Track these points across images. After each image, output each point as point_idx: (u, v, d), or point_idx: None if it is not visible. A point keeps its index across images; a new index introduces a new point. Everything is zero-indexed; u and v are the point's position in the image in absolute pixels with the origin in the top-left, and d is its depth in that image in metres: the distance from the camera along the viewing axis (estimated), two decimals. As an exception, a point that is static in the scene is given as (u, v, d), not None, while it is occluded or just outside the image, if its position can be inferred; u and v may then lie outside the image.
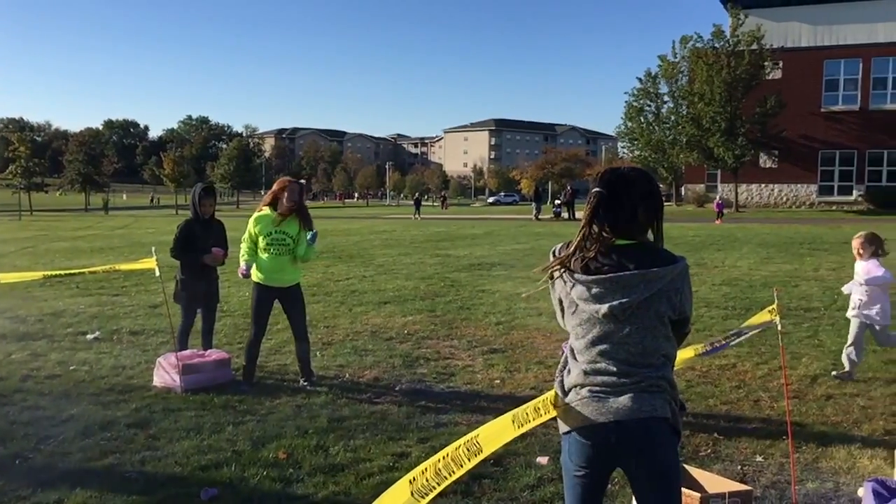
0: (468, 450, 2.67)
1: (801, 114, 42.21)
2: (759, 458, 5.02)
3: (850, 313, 7.10)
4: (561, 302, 2.76)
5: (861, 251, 7.00)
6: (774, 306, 5.26)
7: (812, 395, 6.49)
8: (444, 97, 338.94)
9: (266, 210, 6.69)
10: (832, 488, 4.55)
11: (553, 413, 2.78)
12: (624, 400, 2.60)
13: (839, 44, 43.12)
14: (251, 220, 6.70)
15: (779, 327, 5.65)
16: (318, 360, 7.68)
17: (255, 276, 6.68)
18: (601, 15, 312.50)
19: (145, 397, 6.43)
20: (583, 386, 2.67)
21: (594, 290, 2.62)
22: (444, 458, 2.64)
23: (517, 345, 8.48)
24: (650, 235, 2.74)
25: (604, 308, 2.60)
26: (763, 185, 45.35)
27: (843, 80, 43.68)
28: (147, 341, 8.68)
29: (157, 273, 6.88)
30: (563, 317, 2.82)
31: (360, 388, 6.78)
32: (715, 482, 4.06)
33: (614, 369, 2.63)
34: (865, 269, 6.91)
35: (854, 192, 43.27)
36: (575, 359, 2.74)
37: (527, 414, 2.79)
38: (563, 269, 2.70)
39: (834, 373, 6.91)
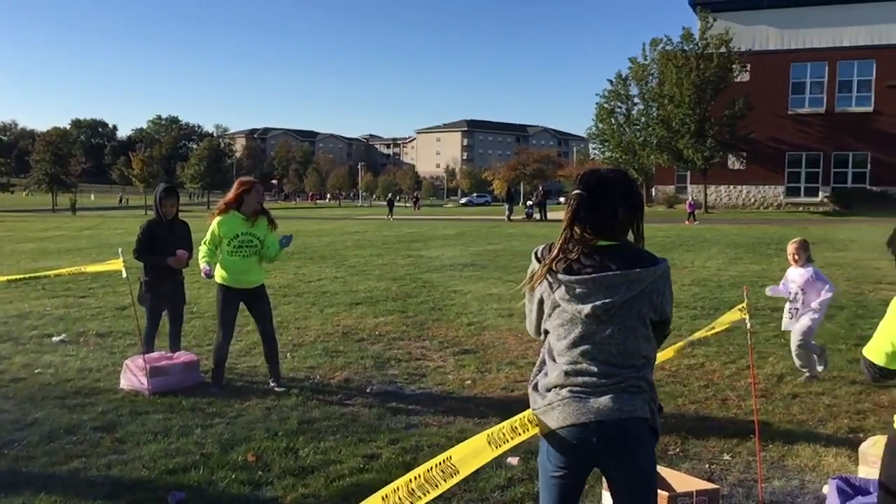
0: (443, 471, 2.61)
1: (768, 116, 42.74)
2: (726, 457, 5.07)
3: (787, 325, 7.09)
4: (541, 303, 2.75)
5: (796, 257, 7.01)
6: (744, 305, 5.32)
7: (779, 393, 6.58)
8: (416, 98, 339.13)
9: (232, 212, 6.62)
10: (798, 486, 4.62)
11: (533, 431, 2.77)
12: (605, 400, 2.61)
13: (806, 47, 43.77)
14: (215, 223, 6.57)
15: (748, 326, 5.71)
16: (288, 361, 7.63)
17: (220, 277, 6.60)
18: (572, 16, 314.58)
19: (112, 400, 6.34)
20: (563, 386, 2.67)
21: (577, 291, 2.63)
22: (416, 477, 2.60)
23: (488, 345, 8.49)
24: (630, 236, 2.76)
25: (586, 308, 2.62)
26: (732, 187, 45.87)
27: (809, 82, 44.33)
28: (114, 343, 8.56)
29: (124, 274, 6.79)
30: (538, 319, 2.80)
31: (331, 390, 6.75)
32: (683, 481, 4.10)
33: (595, 370, 2.64)
34: (804, 277, 6.91)
35: (820, 193, 43.94)
36: (554, 360, 2.74)
37: (503, 434, 2.76)
38: (546, 271, 2.70)
39: (801, 378, 6.98)
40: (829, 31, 43.23)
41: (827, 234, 23.91)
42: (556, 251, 2.68)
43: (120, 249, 7.04)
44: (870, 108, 42.91)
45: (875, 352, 2.93)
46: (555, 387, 2.69)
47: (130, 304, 6.88)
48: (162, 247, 7.02)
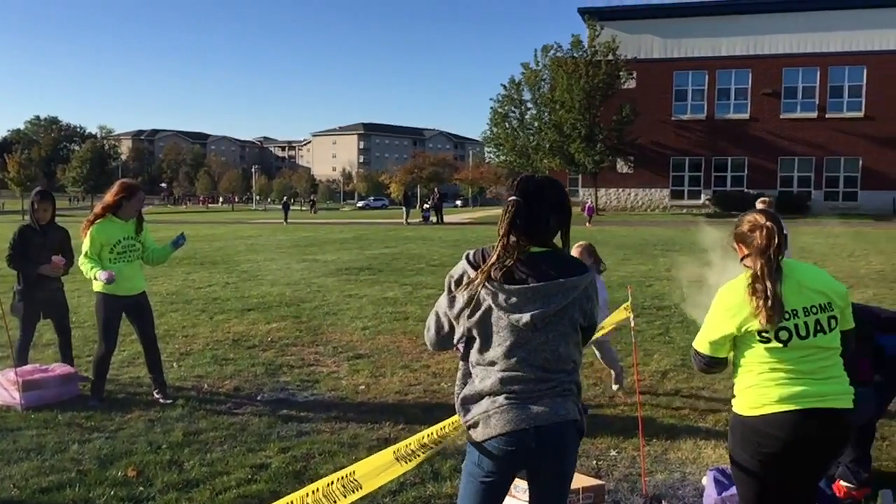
0: (344, 486, 2.50)
1: (653, 122, 44.48)
2: (613, 453, 5.21)
3: None
4: (471, 308, 2.69)
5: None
6: (628, 304, 5.49)
7: (662, 389, 6.83)
8: (311, 100, 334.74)
9: (111, 217, 6.31)
10: (679, 478, 4.79)
11: (442, 445, 2.75)
12: (542, 405, 2.66)
13: (687, 56, 45.78)
14: (94, 230, 6.19)
15: (632, 324, 5.89)
16: (175, 370, 7.37)
17: (101, 286, 6.21)
18: (468, 21, 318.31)
19: (-20, 417, 5.96)
20: (499, 394, 2.68)
21: (516, 299, 2.64)
22: (314, 491, 2.49)
23: (383, 349, 8.45)
24: (559, 242, 2.79)
25: (525, 317, 2.63)
26: (620, 190, 47.43)
27: (691, 90, 46.35)
28: (-16, 357, 8.05)
29: (-7, 283, 6.40)
30: (452, 327, 2.77)
31: (220, 399, 6.55)
32: (570, 478, 4.17)
33: (532, 376, 2.67)
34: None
35: (702, 195, 45.97)
36: (479, 366, 2.73)
37: (412, 450, 2.71)
38: (483, 278, 2.67)
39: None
40: (709, 42, 45.35)
41: (708, 235, 25.01)
42: (493, 258, 2.68)
43: (-12, 257, 6.64)
44: (746, 116, 45.26)
45: (701, 343, 3.14)
46: (489, 394, 2.69)
47: (1, 315, 6.48)
48: (36, 254, 6.65)
